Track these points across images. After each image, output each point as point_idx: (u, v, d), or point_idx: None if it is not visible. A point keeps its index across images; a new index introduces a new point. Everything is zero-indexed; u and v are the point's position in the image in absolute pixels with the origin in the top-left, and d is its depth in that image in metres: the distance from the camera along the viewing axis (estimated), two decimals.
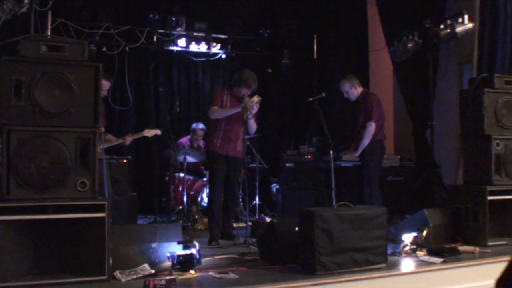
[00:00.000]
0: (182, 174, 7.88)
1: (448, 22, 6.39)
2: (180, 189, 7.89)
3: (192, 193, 7.87)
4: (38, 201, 3.56)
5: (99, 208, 3.64)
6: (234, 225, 6.46)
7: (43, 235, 3.66)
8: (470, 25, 6.08)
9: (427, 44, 6.87)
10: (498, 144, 5.15)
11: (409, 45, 7.01)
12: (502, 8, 5.35)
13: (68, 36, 7.18)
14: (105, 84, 6.14)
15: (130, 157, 7.80)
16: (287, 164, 7.75)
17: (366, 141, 6.51)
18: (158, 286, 3.49)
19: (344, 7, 8.94)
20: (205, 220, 6.87)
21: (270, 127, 9.69)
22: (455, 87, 6.65)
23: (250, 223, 6.01)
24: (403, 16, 7.24)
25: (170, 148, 7.76)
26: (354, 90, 6.77)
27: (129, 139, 6.61)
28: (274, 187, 8.50)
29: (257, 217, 7.54)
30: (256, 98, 5.87)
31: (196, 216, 7.49)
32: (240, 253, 4.92)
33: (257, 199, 7.91)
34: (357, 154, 6.62)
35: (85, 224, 3.63)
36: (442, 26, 6.46)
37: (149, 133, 6.74)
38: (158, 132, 6.86)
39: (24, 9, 4.14)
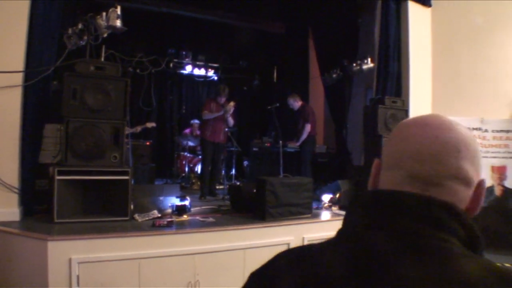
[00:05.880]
0: (185, 153, 7.84)
1: (358, 62, 6.41)
2: (184, 162, 7.80)
3: (191, 165, 7.80)
4: (86, 167, 3.49)
5: (125, 173, 3.58)
6: (217, 186, 6.43)
7: (89, 189, 3.59)
8: (371, 65, 6.10)
9: (345, 75, 6.87)
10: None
11: (334, 75, 7.01)
12: (391, 53, 5.35)
13: (115, 62, 7.08)
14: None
15: (151, 140, 7.65)
16: (254, 148, 7.69)
17: (304, 135, 6.54)
18: (161, 224, 3.47)
19: (293, 47, 8.85)
20: (199, 183, 6.82)
21: (244, 124, 9.60)
22: (361, 104, 6.66)
23: (227, 186, 6.00)
24: (330, 56, 7.21)
25: (178, 136, 7.73)
26: (295, 103, 6.77)
27: (138, 129, 6.64)
28: (245, 163, 8.47)
29: (232, 182, 7.51)
30: (232, 103, 5.95)
31: (193, 180, 7.44)
32: (218, 205, 4.90)
33: (233, 170, 7.87)
34: (298, 144, 6.64)
35: (115, 183, 3.56)
36: (354, 65, 6.48)
37: (150, 125, 6.79)
38: (154, 124, 6.91)
39: (84, 43, 4.04)
